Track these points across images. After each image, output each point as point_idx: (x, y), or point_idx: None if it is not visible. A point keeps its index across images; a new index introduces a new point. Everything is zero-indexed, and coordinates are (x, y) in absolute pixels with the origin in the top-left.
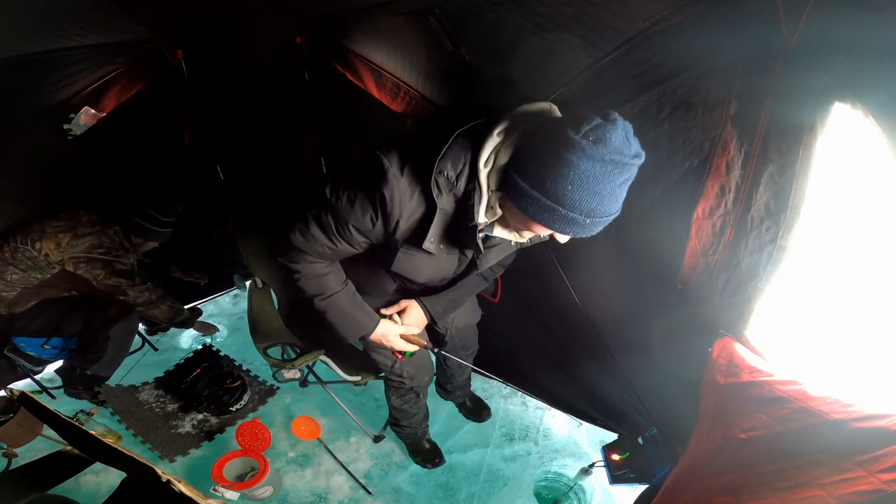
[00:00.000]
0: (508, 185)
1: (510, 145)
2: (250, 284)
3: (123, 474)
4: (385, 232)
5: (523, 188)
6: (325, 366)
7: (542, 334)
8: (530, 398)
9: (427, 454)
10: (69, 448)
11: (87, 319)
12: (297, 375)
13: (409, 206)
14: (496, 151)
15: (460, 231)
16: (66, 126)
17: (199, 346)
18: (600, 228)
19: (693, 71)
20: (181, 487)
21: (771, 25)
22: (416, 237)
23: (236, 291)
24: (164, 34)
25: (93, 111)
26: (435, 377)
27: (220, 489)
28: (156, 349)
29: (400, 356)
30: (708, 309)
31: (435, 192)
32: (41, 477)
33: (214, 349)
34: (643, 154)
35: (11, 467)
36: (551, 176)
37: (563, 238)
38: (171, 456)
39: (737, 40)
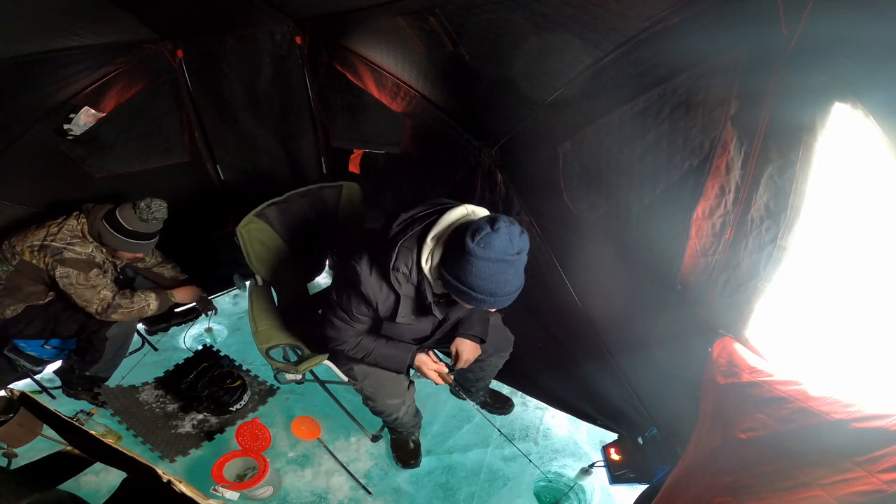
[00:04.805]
0: (441, 276)
1: (440, 247)
2: (250, 284)
3: (124, 474)
4: (374, 310)
5: (448, 280)
6: (325, 365)
7: (542, 334)
8: (530, 398)
9: (406, 454)
10: (69, 448)
11: (84, 321)
12: (299, 377)
13: (380, 295)
14: (431, 253)
15: (423, 306)
16: (66, 126)
17: (199, 346)
18: (508, 302)
19: (693, 71)
20: (182, 488)
21: (771, 25)
22: (392, 314)
23: (236, 291)
24: (164, 34)
25: (93, 111)
26: (455, 383)
27: (220, 489)
28: (156, 349)
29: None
30: (708, 309)
31: (396, 285)
32: (41, 477)
33: (214, 349)
34: (525, 249)
35: (11, 467)
36: (462, 272)
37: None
38: (172, 456)
39: (737, 40)
